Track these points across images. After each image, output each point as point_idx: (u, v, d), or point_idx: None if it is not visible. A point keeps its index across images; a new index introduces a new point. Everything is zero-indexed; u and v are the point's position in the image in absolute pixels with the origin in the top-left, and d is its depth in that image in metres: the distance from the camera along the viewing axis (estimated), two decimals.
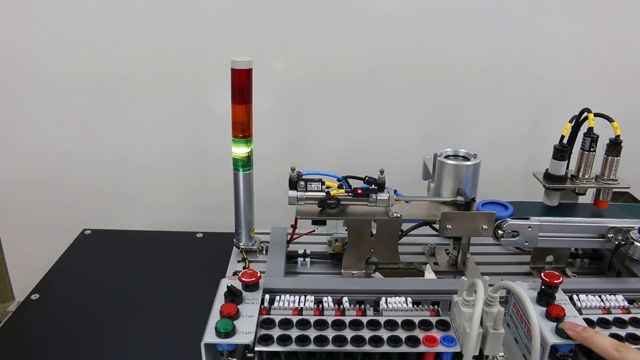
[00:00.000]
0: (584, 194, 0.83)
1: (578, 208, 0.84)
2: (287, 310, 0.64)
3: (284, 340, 0.59)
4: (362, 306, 0.65)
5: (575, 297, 0.68)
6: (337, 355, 0.59)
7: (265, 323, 0.61)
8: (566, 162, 0.80)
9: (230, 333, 0.58)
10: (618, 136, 0.77)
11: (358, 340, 0.59)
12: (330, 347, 0.58)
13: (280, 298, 0.66)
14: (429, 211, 0.80)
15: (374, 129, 1.12)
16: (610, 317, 0.64)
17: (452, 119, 1.12)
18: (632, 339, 0.61)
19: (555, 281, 0.65)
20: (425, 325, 0.61)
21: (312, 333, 0.60)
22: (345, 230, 0.87)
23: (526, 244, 0.80)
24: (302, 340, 0.59)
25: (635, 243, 0.76)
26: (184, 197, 1.19)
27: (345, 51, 1.05)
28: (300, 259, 0.88)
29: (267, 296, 0.66)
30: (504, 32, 1.04)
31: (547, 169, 0.81)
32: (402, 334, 0.60)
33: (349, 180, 0.80)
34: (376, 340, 0.59)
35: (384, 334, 0.60)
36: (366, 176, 0.78)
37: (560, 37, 1.05)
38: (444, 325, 0.61)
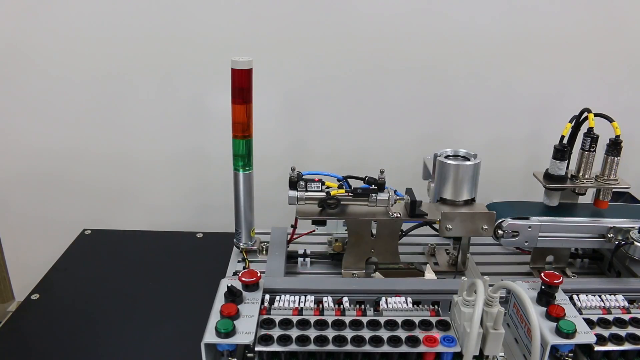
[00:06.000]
0: (584, 194, 0.83)
1: (578, 208, 0.84)
2: (287, 310, 0.64)
3: (284, 340, 0.59)
4: (362, 306, 0.65)
5: (575, 297, 0.68)
6: (337, 355, 0.59)
7: (266, 323, 0.61)
8: (566, 162, 0.80)
9: (230, 333, 0.58)
10: (618, 136, 0.77)
11: (358, 340, 0.59)
12: (331, 347, 0.58)
13: (280, 298, 0.66)
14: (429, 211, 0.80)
15: (374, 129, 1.12)
16: (610, 317, 0.64)
17: (452, 119, 1.12)
18: (632, 338, 0.61)
19: (556, 281, 0.65)
20: (425, 325, 0.61)
21: (312, 333, 0.60)
22: (345, 230, 0.87)
23: (526, 244, 0.80)
24: (302, 340, 0.59)
25: (635, 243, 0.76)
26: (184, 197, 1.19)
27: (346, 51, 1.05)
28: (300, 259, 0.88)
29: (267, 296, 0.66)
30: (504, 32, 1.04)
31: (547, 169, 0.81)
32: (402, 334, 0.60)
33: (349, 180, 0.80)
34: (376, 340, 0.59)
35: (384, 334, 0.60)
36: (366, 176, 0.79)
37: (560, 37, 1.05)
38: (444, 325, 0.61)
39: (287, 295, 0.67)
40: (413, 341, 0.59)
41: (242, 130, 0.80)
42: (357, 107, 1.10)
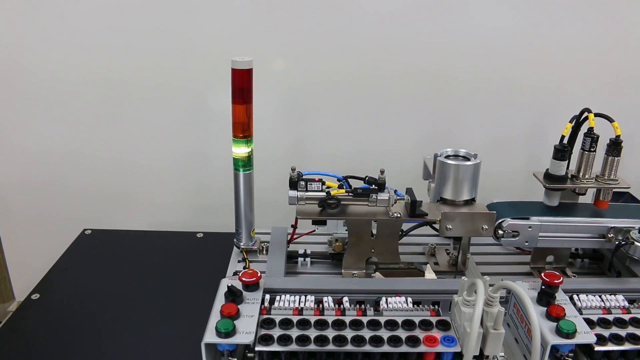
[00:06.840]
0: (584, 194, 0.83)
1: (578, 208, 0.84)
2: (288, 310, 0.64)
3: (285, 340, 0.59)
4: (363, 306, 0.65)
5: (575, 297, 0.68)
6: (337, 355, 0.59)
7: (266, 323, 0.61)
8: (566, 162, 0.80)
9: (230, 333, 0.58)
10: (618, 136, 0.77)
11: (358, 340, 0.59)
12: (331, 347, 0.58)
13: (280, 298, 0.66)
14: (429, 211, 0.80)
15: (374, 128, 1.12)
16: (610, 317, 0.64)
17: (452, 119, 1.12)
18: (632, 338, 0.61)
19: (556, 281, 0.65)
20: (425, 325, 0.61)
21: (313, 333, 0.60)
22: (346, 230, 0.87)
23: (526, 244, 0.80)
24: (303, 340, 0.59)
25: (636, 243, 0.76)
26: (184, 197, 1.19)
27: (346, 51, 1.05)
28: (300, 259, 0.88)
29: (267, 296, 0.66)
30: (504, 32, 1.04)
31: (547, 169, 0.81)
32: (402, 334, 0.60)
33: (350, 180, 0.80)
34: (376, 340, 0.59)
35: (384, 334, 0.60)
36: (366, 176, 0.79)
37: (560, 37, 1.05)
38: (444, 325, 0.61)
39: (287, 295, 0.67)
40: (413, 341, 0.59)
41: (243, 131, 0.80)
42: (358, 107, 1.10)
